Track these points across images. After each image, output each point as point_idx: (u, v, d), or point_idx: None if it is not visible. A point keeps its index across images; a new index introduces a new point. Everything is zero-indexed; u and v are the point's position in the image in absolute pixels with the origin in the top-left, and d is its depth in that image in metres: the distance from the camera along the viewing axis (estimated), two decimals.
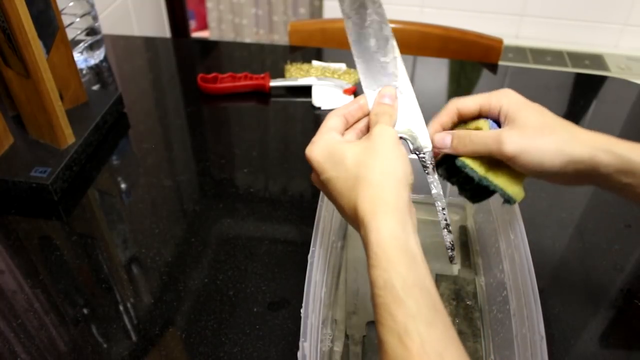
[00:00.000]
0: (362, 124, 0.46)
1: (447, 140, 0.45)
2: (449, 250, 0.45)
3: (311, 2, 1.97)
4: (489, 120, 0.45)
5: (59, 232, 0.68)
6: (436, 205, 0.45)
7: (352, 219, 0.39)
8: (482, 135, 0.43)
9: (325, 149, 0.42)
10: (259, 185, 0.75)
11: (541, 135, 0.42)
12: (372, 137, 0.41)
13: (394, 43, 0.48)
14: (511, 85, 1.00)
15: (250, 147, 0.83)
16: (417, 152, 0.46)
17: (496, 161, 0.44)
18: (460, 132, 0.45)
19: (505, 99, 0.44)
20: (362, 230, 0.38)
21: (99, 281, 0.61)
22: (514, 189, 0.44)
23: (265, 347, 0.55)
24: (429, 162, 0.46)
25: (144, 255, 0.64)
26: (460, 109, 0.46)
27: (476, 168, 0.44)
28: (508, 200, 0.44)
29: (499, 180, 0.43)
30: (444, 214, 0.45)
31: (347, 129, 0.45)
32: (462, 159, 0.45)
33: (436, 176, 0.46)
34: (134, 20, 1.54)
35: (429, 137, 0.46)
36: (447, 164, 0.47)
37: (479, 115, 0.46)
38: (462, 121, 0.48)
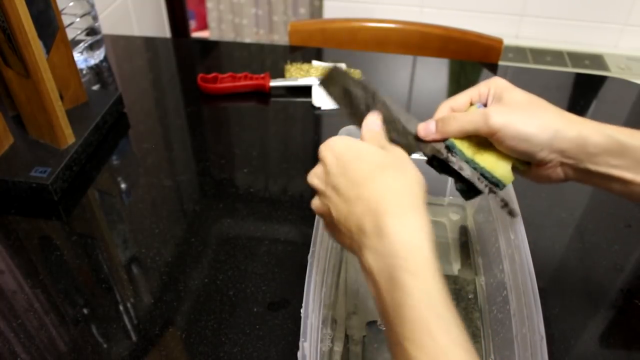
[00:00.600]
0: None
1: (431, 126, 0.45)
2: (504, 206, 0.44)
3: (311, 2, 1.97)
4: (477, 104, 0.46)
5: (59, 232, 0.68)
6: (474, 181, 0.44)
7: (363, 212, 0.35)
8: (468, 113, 0.44)
9: (344, 140, 0.40)
10: (259, 185, 0.75)
11: (528, 110, 0.42)
12: (392, 150, 0.41)
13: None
14: None
15: (250, 147, 0.83)
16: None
17: (484, 145, 0.44)
18: (443, 115, 0.45)
19: (493, 84, 0.45)
20: (387, 224, 0.34)
21: (99, 281, 0.61)
22: (502, 172, 0.43)
23: (265, 347, 0.55)
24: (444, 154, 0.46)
25: (144, 255, 0.64)
26: (453, 106, 0.47)
27: (464, 149, 0.44)
28: (497, 184, 0.44)
29: (486, 163, 0.43)
30: (484, 184, 0.44)
31: None
32: (451, 139, 0.45)
33: (456, 159, 0.45)
34: (134, 20, 1.54)
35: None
36: (434, 160, 0.47)
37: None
38: None
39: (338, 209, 0.38)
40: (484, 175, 0.44)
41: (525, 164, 0.44)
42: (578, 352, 0.54)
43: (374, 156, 0.39)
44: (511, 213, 0.45)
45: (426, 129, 0.45)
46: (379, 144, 0.41)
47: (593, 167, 0.41)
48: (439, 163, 0.46)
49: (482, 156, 0.44)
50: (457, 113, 0.45)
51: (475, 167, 0.44)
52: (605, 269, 0.63)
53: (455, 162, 0.44)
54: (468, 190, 0.46)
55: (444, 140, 0.45)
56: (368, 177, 0.37)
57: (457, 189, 0.47)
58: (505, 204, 0.44)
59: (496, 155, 0.44)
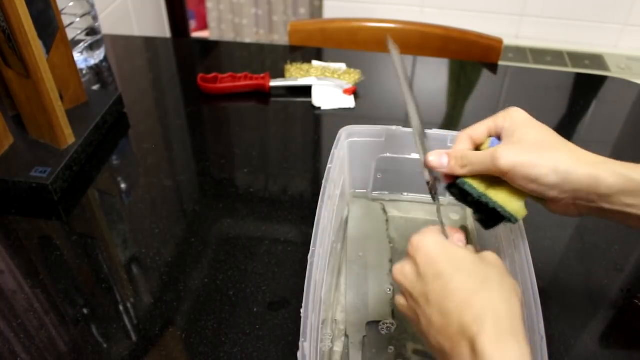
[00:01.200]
0: None
1: (443, 160, 0.45)
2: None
3: (311, 2, 1.97)
4: (491, 138, 0.46)
5: (59, 232, 0.68)
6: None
7: (458, 324, 0.34)
8: (478, 154, 0.43)
9: (441, 243, 0.39)
10: (259, 185, 0.75)
11: (537, 150, 0.41)
12: (488, 258, 0.39)
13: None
14: (511, 85, 1.01)
15: (250, 147, 0.83)
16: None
17: (497, 180, 0.43)
18: (456, 152, 0.45)
19: (509, 118, 0.44)
20: (485, 352, 0.32)
21: (99, 281, 0.61)
22: (514, 207, 0.43)
23: (265, 347, 0.55)
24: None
25: (144, 255, 0.64)
26: (471, 135, 0.46)
27: (475, 185, 0.44)
28: (509, 219, 0.43)
29: (498, 197, 0.43)
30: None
31: None
32: (463, 178, 0.45)
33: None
34: (134, 20, 1.54)
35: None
36: (450, 189, 0.47)
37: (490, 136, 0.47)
38: (476, 148, 0.48)
39: (430, 320, 0.37)
40: (497, 210, 0.43)
41: (538, 199, 0.44)
42: (578, 352, 0.54)
43: (474, 267, 0.37)
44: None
45: (439, 161, 0.45)
46: (473, 250, 0.40)
47: (607, 206, 0.41)
48: (458, 190, 0.46)
49: (494, 191, 0.43)
50: (469, 153, 0.44)
51: (487, 202, 0.43)
52: (605, 269, 0.63)
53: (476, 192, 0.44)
54: (487, 220, 0.46)
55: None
56: (469, 293, 0.35)
57: (475, 219, 0.47)
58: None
59: (509, 190, 0.43)
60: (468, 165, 0.44)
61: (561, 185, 0.40)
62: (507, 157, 0.41)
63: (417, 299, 0.38)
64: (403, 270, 0.40)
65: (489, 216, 0.45)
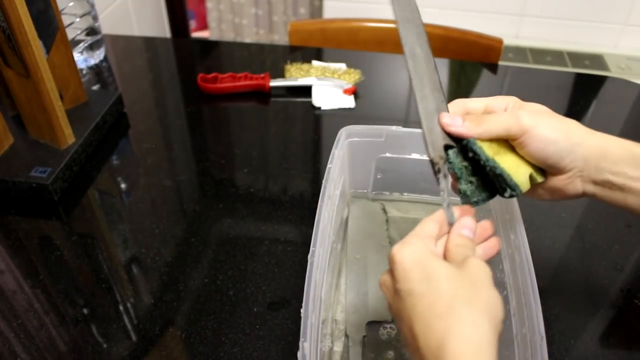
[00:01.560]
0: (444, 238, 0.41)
1: (457, 119, 0.42)
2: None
3: (311, 2, 1.97)
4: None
5: (59, 232, 0.68)
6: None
7: (426, 349, 0.33)
8: (497, 115, 0.43)
9: (417, 256, 0.36)
10: (259, 185, 0.75)
11: (552, 117, 0.42)
12: (469, 269, 0.36)
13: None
14: (511, 85, 1.01)
15: (250, 147, 0.83)
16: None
17: (504, 148, 0.43)
18: (471, 114, 0.44)
19: (511, 99, 0.45)
20: None
21: (99, 281, 0.61)
22: (520, 178, 0.42)
23: (265, 347, 0.55)
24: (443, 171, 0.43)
25: (144, 255, 0.64)
26: (468, 105, 0.45)
27: (485, 148, 0.42)
28: (513, 188, 0.42)
29: (505, 165, 0.42)
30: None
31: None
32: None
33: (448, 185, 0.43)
34: (134, 20, 1.54)
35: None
36: (448, 151, 0.44)
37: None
38: None
39: (405, 337, 0.37)
40: (503, 176, 0.42)
41: (542, 175, 0.43)
42: (578, 352, 0.54)
43: (445, 286, 0.35)
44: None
45: (452, 120, 0.43)
46: (460, 257, 0.38)
47: (612, 177, 0.41)
48: (460, 154, 0.43)
49: (501, 159, 0.42)
50: (485, 115, 0.43)
51: (495, 167, 0.41)
52: (605, 269, 0.63)
53: (480, 155, 0.42)
54: (471, 193, 0.44)
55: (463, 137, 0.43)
56: (433, 317, 0.34)
57: (459, 190, 0.44)
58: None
59: (516, 160, 0.42)
60: (484, 124, 0.42)
61: (574, 152, 0.41)
62: (528, 117, 0.41)
63: (395, 313, 0.38)
64: (385, 282, 0.39)
65: (483, 188, 0.44)
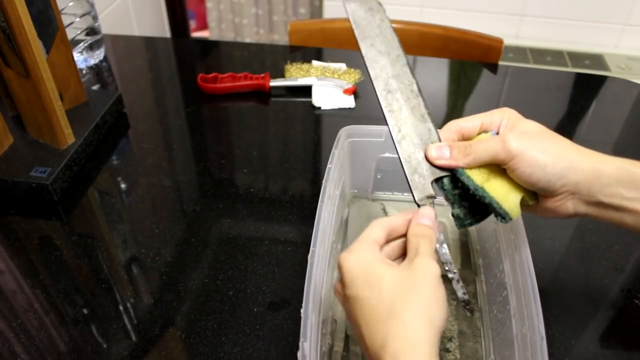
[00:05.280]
0: (399, 240, 0.42)
1: (445, 151, 0.43)
2: (465, 305, 0.43)
3: (311, 2, 1.97)
4: (490, 132, 0.44)
5: (59, 232, 0.68)
6: (447, 269, 0.43)
7: (372, 351, 0.35)
8: (484, 141, 0.42)
9: (362, 262, 0.38)
10: (259, 185, 0.75)
11: (543, 139, 0.41)
12: (413, 270, 0.37)
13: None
14: (511, 85, 1.01)
15: (250, 147, 0.83)
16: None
17: (494, 174, 0.42)
18: (459, 142, 0.44)
19: (506, 113, 0.44)
20: None
21: (99, 281, 0.61)
22: (510, 204, 0.41)
23: (265, 347, 0.55)
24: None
25: (144, 255, 0.64)
26: (462, 127, 0.45)
27: (474, 177, 0.42)
28: (503, 216, 0.41)
29: (495, 193, 0.42)
30: (454, 271, 0.43)
31: (387, 242, 0.42)
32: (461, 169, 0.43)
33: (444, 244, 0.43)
34: (134, 20, 1.54)
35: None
36: (441, 179, 0.44)
37: (480, 132, 0.45)
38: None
39: (355, 329, 0.38)
40: (492, 205, 0.41)
41: (534, 197, 0.43)
42: (578, 352, 0.54)
43: (387, 291, 0.36)
44: (470, 311, 0.44)
45: (440, 152, 0.43)
46: (414, 248, 0.39)
47: (606, 199, 0.40)
48: (451, 183, 0.44)
49: (491, 185, 0.42)
50: (472, 142, 0.43)
51: (484, 196, 0.41)
52: (605, 269, 0.63)
53: (470, 184, 0.42)
54: (464, 216, 0.44)
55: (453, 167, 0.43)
56: (375, 322, 0.36)
57: (452, 214, 0.45)
58: (466, 304, 0.43)
59: (506, 185, 0.42)
60: (472, 154, 0.42)
61: (566, 173, 0.40)
62: (516, 141, 0.40)
63: (347, 315, 0.39)
64: (337, 288, 0.40)
65: (475, 213, 0.44)
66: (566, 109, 0.91)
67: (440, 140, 0.44)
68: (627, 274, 0.62)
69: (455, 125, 0.45)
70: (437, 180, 0.44)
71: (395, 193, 0.70)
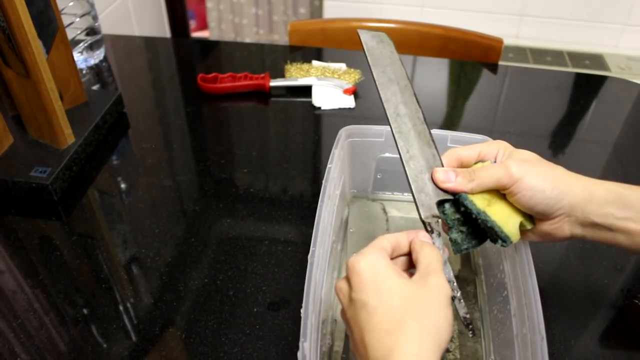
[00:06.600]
0: (403, 257, 0.43)
1: (450, 175, 0.45)
2: (467, 325, 0.43)
3: (311, 2, 1.97)
4: (488, 160, 0.46)
5: (59, 232, 0.68)
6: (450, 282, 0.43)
7: (373, 359, 0.35)
8: (488, 167, 0.44)
9: (374, 266, 0.38)
10: (259, 185, 0.75)
11: (540, 165, 0.44)
12: (428, 288, 0.37)
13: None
14: (511, 85, 1.01)
15: (250, 147, 0.83)
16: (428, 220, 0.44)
17: (494, 200, 0.44)
18: (463, 169, 0.46)
19: (502, 145, 0.47)
20: None
21: (99, 281, 0.61)
22: (510, 229, 0.43)
23: (265, 347, 0.55)
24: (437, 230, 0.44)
25: (144, 255, 0.64)
26: (461, 155, 0.47)
27: (476, 202, 0.44)
28: (504, 239, 0.43)
29: (496, 217, 0.43)
30: (458, 290, 0.43)
31: (392, 258, 0.42)
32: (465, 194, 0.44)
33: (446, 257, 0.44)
34: (134, 20, 1.54)
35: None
36: (442, 204, 0.45)
37: (477, 162, 0.47)
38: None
39: (356, 345, 0.38)
40: (494, 229, 0.43)
41: (532, 222, 0.45)
42: (578, 352, 0.54)
43: (398, 301, 0.36)
44: (472, 331, 0.44)
45: (446, 176, 0.45)
46: (424, 266, 0.39)
47: (599, 219, 0.43)
48: (453, 208, 0.45)
49: (492, 210, 0.44)
50: (475, 169, 0.45)
51: (486, 220, 0.43)
52: (605, 269, 0.63)
53: (473, 209, 0.44)
54: (462, 241, 0.45)
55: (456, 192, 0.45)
56: (383, 332, 0.35)
57: (450, 239, 0.45)
58: (468, 323, 0.43)
59: (506, 210, 0.44)
60: (476, 179, 0.44)
61: (561, 200, 0.43)
62: (517, 167, 0.43)
63: (348, 319, 0.39)
64: (341, 289, 0.40)
65: (472, 238, 0.45)
66: (566, 109, 0.91)
67: (443, 166, 0.46)
68: (627, 274, 0.62)
69: (455, 153, 0.47)
70: (438, 206, 0.45)
71: (395, 193, 0.70)
